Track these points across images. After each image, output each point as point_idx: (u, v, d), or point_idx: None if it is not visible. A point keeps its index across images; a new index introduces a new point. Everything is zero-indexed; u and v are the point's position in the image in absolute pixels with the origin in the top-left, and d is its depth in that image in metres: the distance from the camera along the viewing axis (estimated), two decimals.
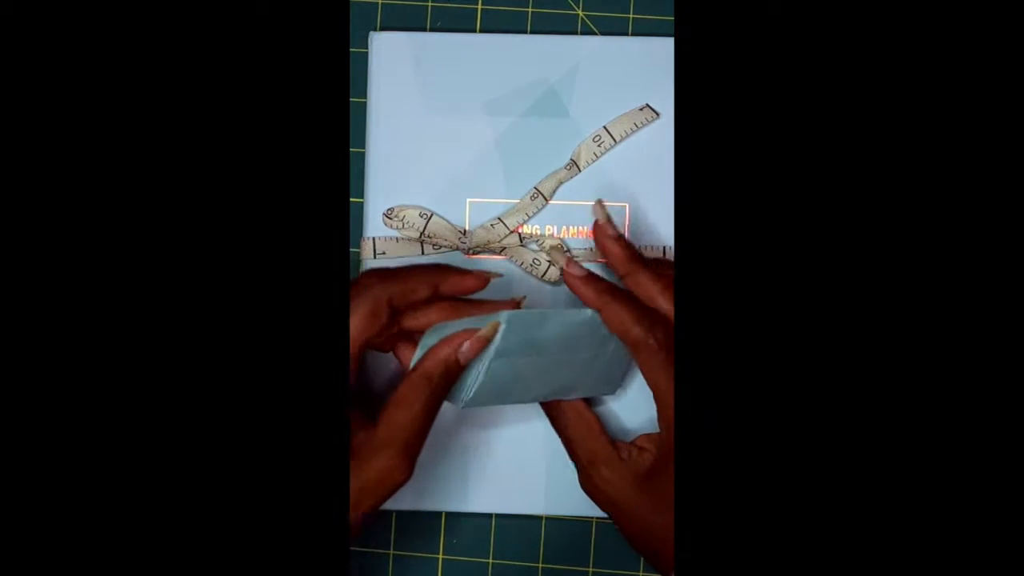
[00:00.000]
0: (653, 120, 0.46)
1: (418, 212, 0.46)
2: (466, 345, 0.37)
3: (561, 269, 0.41)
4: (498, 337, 0.38)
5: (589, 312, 0.40)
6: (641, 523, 0.40)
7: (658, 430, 0.41)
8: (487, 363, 0.39)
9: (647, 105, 0.46)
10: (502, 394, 0.41)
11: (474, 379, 0.39)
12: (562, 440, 0.43)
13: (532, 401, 0.42)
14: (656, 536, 0.40)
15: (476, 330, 0.38)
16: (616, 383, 0.45)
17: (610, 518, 0.42)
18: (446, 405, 0.39)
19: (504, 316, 0.38)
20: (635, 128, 0.46)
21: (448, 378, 0.38)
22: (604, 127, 0.46)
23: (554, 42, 0.47)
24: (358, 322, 0.38)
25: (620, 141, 0.46)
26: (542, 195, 0.46)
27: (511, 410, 0.46)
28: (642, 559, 0.47)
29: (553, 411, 0.43)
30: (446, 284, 0.39)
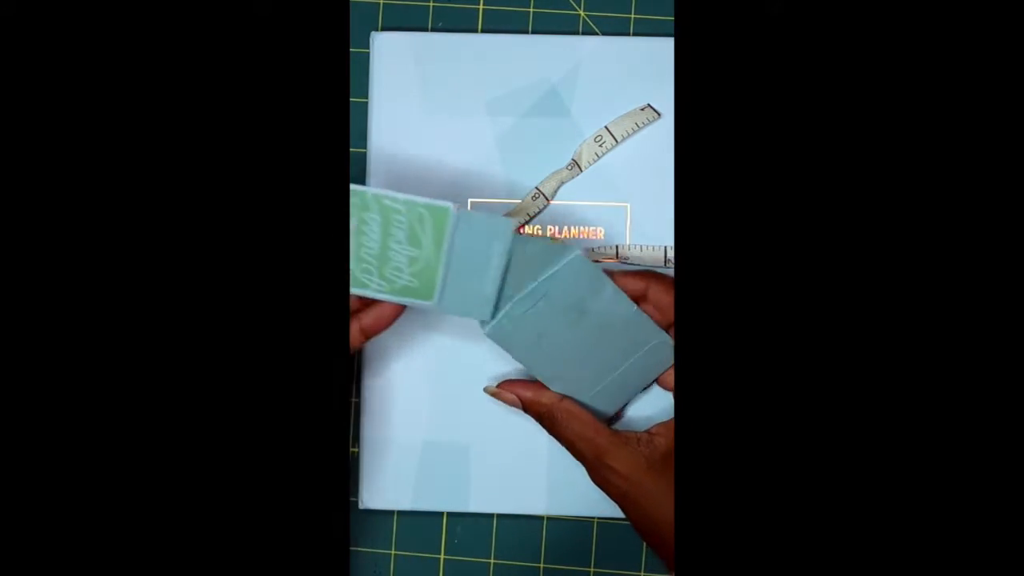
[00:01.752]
0: (654, 120, 0.46)
1: None
2: None
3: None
4: (559, 265, 0.39)
5: (634, 309, 0.41)
6: (653, 511, 0.40)
7: (670, 417, 0.41)
8: (529, 289, 0.39)
9: (648, 105, 0.46)
10: (523, 345, 0.41)
11: (506, 302, 0.39)
12: (561, 442, 0.43)
13: (538, 374, 0.42)
14: (667, 524, 0.40)
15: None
16: (617, 404, 0.44)
17: (621, 510, 0.41)
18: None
19: (576, 251, 0.39)
20: (636, 128, 0.46)
21: None
22: (605, 127, 0.46)
23: (555, 42, 0.47)
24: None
25: (621, 141, 0.46)
26: (543, 195, 0.46)
27: (512, 409, 0.46)
28: (643, 559, 0.47)
29: (544, 419, 0.43)
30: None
